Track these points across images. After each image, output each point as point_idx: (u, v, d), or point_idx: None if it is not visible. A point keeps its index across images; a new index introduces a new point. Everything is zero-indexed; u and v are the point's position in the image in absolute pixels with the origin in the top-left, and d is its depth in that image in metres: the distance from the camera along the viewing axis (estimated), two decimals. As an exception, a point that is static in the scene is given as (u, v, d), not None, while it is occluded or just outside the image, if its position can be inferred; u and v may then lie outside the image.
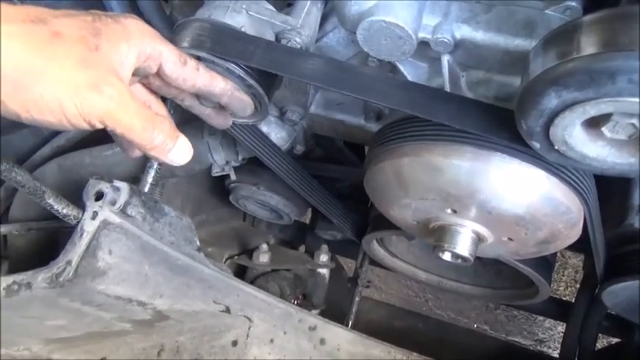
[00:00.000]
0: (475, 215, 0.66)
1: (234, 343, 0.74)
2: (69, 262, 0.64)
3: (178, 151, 0.54)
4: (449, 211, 0.68)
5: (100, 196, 0.68)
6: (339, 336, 0.74)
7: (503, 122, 0.54)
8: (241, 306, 0.74)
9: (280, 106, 0.88)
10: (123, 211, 0.68)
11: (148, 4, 0.73)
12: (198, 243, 0.77)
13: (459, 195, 0.64)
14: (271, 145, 0.87)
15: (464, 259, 0.70)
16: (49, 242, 0.90)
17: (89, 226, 0.66)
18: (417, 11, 0.61)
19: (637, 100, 0.42)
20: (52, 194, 0.68)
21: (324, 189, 0.99)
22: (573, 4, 0.57)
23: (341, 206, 1.04)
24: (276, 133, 0.90)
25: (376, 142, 0.71)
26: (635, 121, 0.47)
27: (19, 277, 0.63)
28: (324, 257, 1.20)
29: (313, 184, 0.95)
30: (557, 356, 1.16)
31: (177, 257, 0.71)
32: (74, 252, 0.65)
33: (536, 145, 0.52)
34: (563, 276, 2.20)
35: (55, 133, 0.97)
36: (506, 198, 0.62)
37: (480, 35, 0.62)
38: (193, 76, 0.57)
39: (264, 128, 0.89)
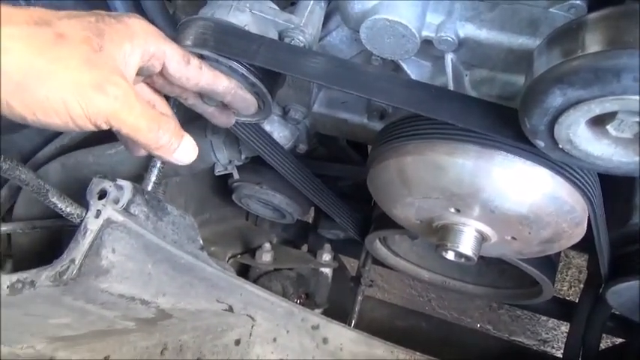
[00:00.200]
0: (479, 214, 0.66)
1: (237, 342, 0.74)
2: (72, 261, 0.64)
3: (183, 150, 0.54)
4: (452, 210, 0.68)
5: (103, 194, 0.68)
6: (342, 335, 0.74)
7: (507, 121, 0.54)
8: (244, 305, 0.74)
9: (283, 105, 0.87)
10: (126, 210, 0.68)
11: (151, 4, 0.73)
12: (201, 242, 0.77)
13: (462, 194, 0.64)
14: (274, 144, 0.87)
15: (467, 258, 0.70)
16: (52, 241, 0.91)
17: (92, 225, 0.66)
18: (420, 10, 0.61)
19: (642, 98, 0.42)
20: (56, 193, 0.68)
21: (327, 188, 0.99)
22: (578, 2, 0.56)
23: (344, 205, 1.04)
24: (279, 131, 0.90)
25: (379, 140, 0.71)
26: (640, 119, 0.46)
27: (22, 275, 0.63)
28: (326, 256, 1.19)
29: (316, 183, 0.95)
30: (561, 356, 1.16)
31: (180, 256, 0.71)
32: (78, 250, 0.65)
33: (541, 143, 0.52)
34: (566, 276, 2.19)
35: (59, 132, 0.97)
36: (510, 197, 0.62)
37: (483, 34, 0.62)
38: (197, 74, 0.57)
39: (267, 127, 0.89)
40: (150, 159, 0.81)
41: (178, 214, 0.75)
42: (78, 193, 0.70)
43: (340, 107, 0.88)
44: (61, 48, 0.46)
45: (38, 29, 0.45)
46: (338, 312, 1.12)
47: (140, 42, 0.52)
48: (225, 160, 0.95)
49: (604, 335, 1.07)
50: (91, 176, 0.70)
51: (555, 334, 2.09)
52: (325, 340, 0.74)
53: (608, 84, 0.42)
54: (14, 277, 0.63)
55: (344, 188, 1.21)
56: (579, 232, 0.66)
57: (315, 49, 0.68)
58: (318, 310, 1.15)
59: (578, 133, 0.49)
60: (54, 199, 0.67)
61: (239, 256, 1.19)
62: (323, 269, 1.20)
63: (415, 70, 0.72)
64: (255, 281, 1.12)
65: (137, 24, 0.52)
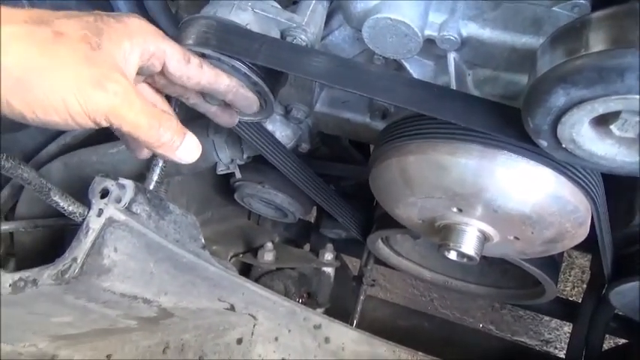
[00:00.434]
0: (481, 214, 0.66)
1: (239, 341, 0.74)
2: (74, 259, 0.64)
3: (186, 148, 0.54)
4: (455, 209, 0.68)
5: (105, 193, 0.68)
6: (344, 335, 0.74)
7: (510, 120, 0.54)
8: (246, 304, 0.74)
9: (285, 104, 0.87)
10: (128, 209, 0.68)
11: (154, 4, 0.73)
12: (203, 241, 0.77)
13: (465, 193, 0.63)
14: (276, 144, 0.86)
15: (470, 258, 0.70)
16: (54, 239, 0.91)
17: (95, 224, 0.66)
18: (423, 9, 0.61)
19: (646, 97, 0.41)
20: (58, 192, 0.68)
21: (329, 187, 0.98)
22: (581, 1, 0.56)
23: (346, 205, 1.04)
24: (281, 131, 0.90)
25: (382, 140, 0.71)
26: (644, 119, 0.46)
27: (25, 273, 0.63)
28: (328, 256, 1.19)
29: (318, 183, 0.95)
30: (564, 357, 1.15)
31: (182, 255, 0.71)
32: (80, 249, 0.65)
33: (544, 143, 0.52)
34: (569, 276, 2.18)
35: (61, 131, 0.98)
36: (513, 197, 0.61)
37: (486, 33, 0.62)
38: (197, 73, 0.57)
39: (269, 126, 0.89)
40: (152, 158, 0.81)
41: (180, 213, 0.75)
42: (80, 192, 0.70)
43: (342, 107, 0.88)
44: (59, 46, 0.46)
45: (37, 28, 0.46)
46: (340, 311, 1.12)
47: (139, 41, 0.51)
48: (227, 160, 0.95)
49: (607, 336, 1.07)
50: (93, 175, 0.70)
51: (558, 334, 2.09)
52: (327, 340, 0.74)
53: (612, 83, 0.42)
54: (16, 275, 0.63)
55: (346, 188, 1.21)
56: (582, 232, 0.66)
57: (317, 48, 0.68)
58: (320, 310, 1.16)
59: (581, 133, 0.48)
60: (56, 198, 0.67)
61: (241, 255, 1.19)
62: (325, 269, 1.20)
63: (417, 69, 0.71)
64: (257, 280, 1.13)
65: (136, 23, 0.52)
